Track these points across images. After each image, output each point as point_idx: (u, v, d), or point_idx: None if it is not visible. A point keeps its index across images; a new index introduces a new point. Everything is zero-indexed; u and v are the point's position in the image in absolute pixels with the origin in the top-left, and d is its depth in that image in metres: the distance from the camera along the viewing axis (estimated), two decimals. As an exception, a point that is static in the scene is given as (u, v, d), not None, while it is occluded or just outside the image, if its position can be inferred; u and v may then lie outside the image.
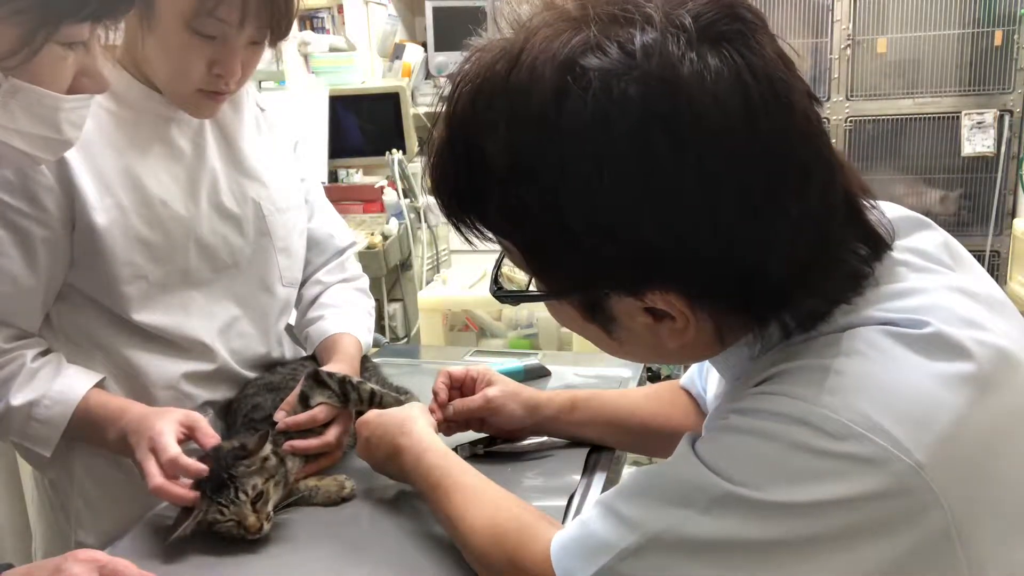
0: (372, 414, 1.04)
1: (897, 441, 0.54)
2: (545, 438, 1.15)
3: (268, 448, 0.97)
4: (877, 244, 0.65)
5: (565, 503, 1.01)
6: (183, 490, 0.93)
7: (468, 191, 0.64)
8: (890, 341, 0.59)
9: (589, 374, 1.46)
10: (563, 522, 0.95)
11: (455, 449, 1.13)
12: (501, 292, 0.73)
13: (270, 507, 0.94)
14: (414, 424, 0.99)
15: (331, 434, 1.07)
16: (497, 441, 1.15)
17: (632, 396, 1.16)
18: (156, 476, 0.93)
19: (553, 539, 0.72)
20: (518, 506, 0.84)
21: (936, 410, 0.56)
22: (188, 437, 0.99)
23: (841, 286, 0.63)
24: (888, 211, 0.69)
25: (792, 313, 0.63)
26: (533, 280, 0.68)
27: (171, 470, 0.94)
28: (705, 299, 0.61)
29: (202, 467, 0.94)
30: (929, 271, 0.65)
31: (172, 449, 0.95)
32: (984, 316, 0.62)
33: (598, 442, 1.14)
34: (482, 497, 0.86)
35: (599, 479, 1.10)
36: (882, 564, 0.55)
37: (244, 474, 0.93)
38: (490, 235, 0.66)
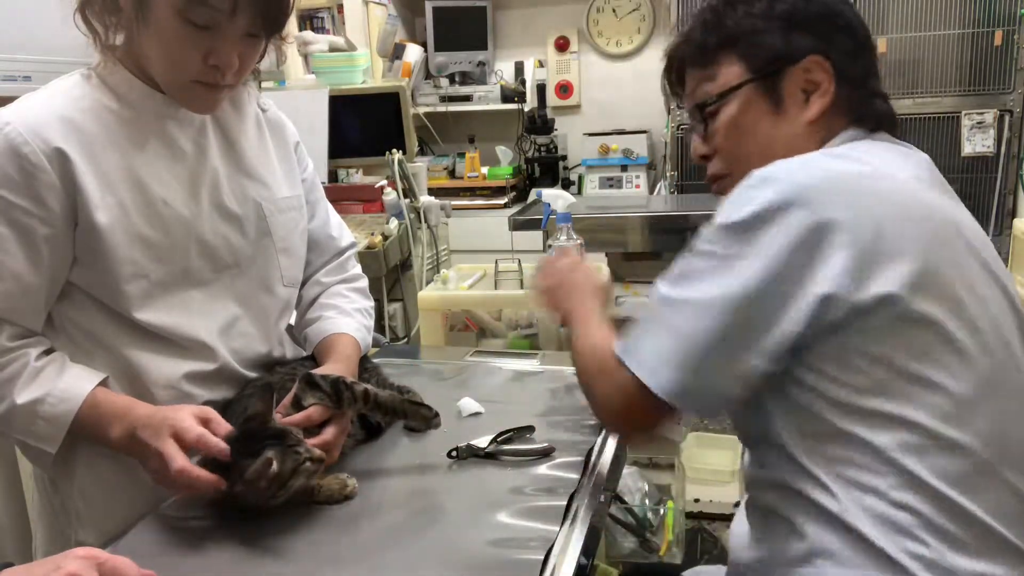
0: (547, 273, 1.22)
1: (792, 174, 0.87)
2: (546, 444, 1.15)
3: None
4: (891, 121, 1.03)
5: (565, 503, 1.01)
6: (205, 472, 0.94)
7: (712, 19, 1.03)
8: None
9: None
10: (559, 526, 0.97)
11: (456, 449, 1.14)
12: (706, 103, 1.04)
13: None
14: (577, 292, 1.16)
15: (328, 433, 1.07)
16: (498, 441, 1.15)
17: None
18: (178, 459, 0.95)
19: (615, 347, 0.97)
20: (606, 341, 1.00)
21: (822, 167, 0.89)
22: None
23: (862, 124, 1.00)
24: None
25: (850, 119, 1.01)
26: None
27: (200, 446, 0.96)
28: (841, 73, 0.98)
29: (225, 446, 0.95)
30: (891, 150, 0.97)
31: (197, 429, 0.97)
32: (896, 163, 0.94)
33: None
34: (588, 336, 1.05)
35: (599, 479, 1.10)
36: (779, 247, 0.84)
37: (280, 429, 0.98)
38: (715, 64, 1.02)
